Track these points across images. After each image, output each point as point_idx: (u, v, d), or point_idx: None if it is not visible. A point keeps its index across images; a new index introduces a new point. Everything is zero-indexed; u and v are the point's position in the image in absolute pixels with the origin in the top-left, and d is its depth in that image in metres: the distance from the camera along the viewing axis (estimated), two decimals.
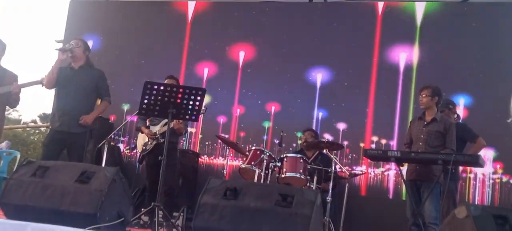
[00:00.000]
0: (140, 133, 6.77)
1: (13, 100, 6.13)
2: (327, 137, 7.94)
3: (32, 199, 4.17)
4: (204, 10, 9.24)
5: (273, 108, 8.47)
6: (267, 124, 8.40)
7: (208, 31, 9.06)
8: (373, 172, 7.82)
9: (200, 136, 8.64)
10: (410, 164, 6.04)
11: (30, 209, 4.13)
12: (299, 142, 7.90)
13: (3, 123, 6.42)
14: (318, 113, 8.25)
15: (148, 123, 6.75)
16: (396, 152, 5.67)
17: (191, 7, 9.29)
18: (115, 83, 7.89)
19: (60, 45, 9.79)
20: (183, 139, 8.37)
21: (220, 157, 8.53)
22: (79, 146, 5.95)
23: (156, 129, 6.55)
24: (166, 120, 5.67)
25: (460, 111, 7.05)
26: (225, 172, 6.79)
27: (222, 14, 9.13)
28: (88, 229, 3.73)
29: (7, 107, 6.40)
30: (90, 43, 7.42)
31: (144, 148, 6.64)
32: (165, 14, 9.44)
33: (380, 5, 8.29)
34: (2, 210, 4.41)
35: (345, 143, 7.92)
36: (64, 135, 5.95)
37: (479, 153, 6.13)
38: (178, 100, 4.95)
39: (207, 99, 8.17)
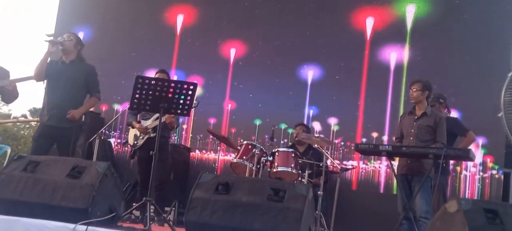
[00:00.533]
0: (131, 128, 6.72)
1: (9, 95, 6.09)
2: (317, 129, 7.98)
3: (23, 194, 4.14)
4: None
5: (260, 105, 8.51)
6: (258, 122, 8.39)
7: (201, 24, 9.02)
8: (365, 166, 7.84)
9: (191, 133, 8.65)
10: (401, 158, 6.04)
11: (21, 204, 4.10)
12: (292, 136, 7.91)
13: None
14: (309, 110, 8.25)
15: (139, 117, 6.71)
16: (387, 146, 5.69)
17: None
18: (106, 76, 7.83)
19: (51, 39, 9.80)
20: (174, 133, 8.35)
21: (211, 152, 8.53)
22: (68, 140, 5.89)
23: (147, 123, 6.50)
24: (157, 114, 5.64)
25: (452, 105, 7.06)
26: (216, 167, 6.80)
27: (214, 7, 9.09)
28: (80, 224, 3.71)
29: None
30: (81, 35, 7.35)
31: (135, 142, 6.59)
32: (156, 6, 9.40)
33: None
34: None
35: (338, 140, 7.93)
36: (53, 129, 5.90)
37: (469, 147, 6.15)
38: (170, 95, 4.93)
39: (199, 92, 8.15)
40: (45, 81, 6.10)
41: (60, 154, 5.86)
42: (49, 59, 6.01)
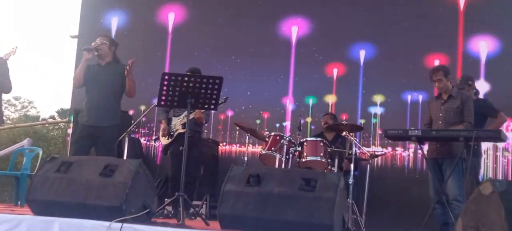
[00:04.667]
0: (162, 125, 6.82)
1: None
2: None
3: (58, 194, 4.22)
4: None
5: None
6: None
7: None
8: (395, 151, 7.79)
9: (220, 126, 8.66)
10: (430, 143, 6.01)
11: (57, 204, 4.19)
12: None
13: (0, 113, 6.55)
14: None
15: (170, 114, 6.78)
16: (417, 131, 5.65)
17: None
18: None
19: (75, 41, 9.90)
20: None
21: (238, 144, 8.54)
22: (106, 139, 6.00)
23: (178, 120, 6.58)
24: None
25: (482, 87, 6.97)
26: (245, 159, 6.80)
27: None
28: (115, 222, 3.75)
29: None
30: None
31: (166, 138, 6.68)
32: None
33: None
34: (29, 207, 4.47)
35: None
36: (92, 129, 6.00)
37: (501, 128, 6.07)
38: (196, 90, 4.96)
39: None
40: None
41: (97, 154, 5.94)
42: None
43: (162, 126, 6.70)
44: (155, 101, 5.51)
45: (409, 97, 7.89)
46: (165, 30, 9.29)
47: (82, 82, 6.17)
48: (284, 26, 8.69)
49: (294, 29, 8.64)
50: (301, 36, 8.58)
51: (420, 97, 7.81)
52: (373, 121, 8.02)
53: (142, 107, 8.41)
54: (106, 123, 6.02)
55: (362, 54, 8.25)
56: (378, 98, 8.06)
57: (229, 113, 8.59)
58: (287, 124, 8.36)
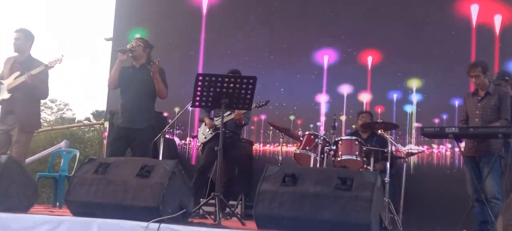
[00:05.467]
0: (203, 124, 6.87)
1: (35, 90, 6.23)
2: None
3: (96, 195, 4.27)
4: None
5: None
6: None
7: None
8: (431, 149, 7.68)
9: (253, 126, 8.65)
10: (467, 140, 5.92)
11: (95, 205, 4.24)
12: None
13: (35, 116, 6.49)
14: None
15: (212, 114, 6.84)
16: (454, 128, 5.57)
17: None
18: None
19: (110, 43, 10.03)
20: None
21: (271, 144, 8.53)
22: (142, 141, 6.06)
23: (219, 121, 6.64)
24: (229, 112, 5.73)
25: None
26: (280, 158, 6.80)
27: None
28: (152, 222, 3.78)
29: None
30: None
31: (204, 138, 6.75)
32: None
33: None
34: (68, 208, 4.54)
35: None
36: (127, 131, 6.07)
37: None
38: (230, 90, 4.98)
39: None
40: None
41: (133, 155, 6.01)
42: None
43: (207, 121, 6.76)
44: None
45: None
46: (199, 29, 9.32)
47: (117, 84, 6.24)
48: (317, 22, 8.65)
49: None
50: (334, 31, 8.52)
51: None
52: (410, 109, 7.89)
53: (176, 109, 8.45)
54: (141, 125, 6.08)
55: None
56: (414, 82, 7.94)
57: (262, 117, 8.55)
58: (321, 121, 8.31)
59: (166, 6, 9.66)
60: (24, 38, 6.34)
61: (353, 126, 7.84)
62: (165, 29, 9.44)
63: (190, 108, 7.67)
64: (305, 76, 8.54)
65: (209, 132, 6.71)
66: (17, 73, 6.19)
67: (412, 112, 7.85)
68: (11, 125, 6.19)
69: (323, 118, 8.32)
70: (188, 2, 9.50)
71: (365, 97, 8.15)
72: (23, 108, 6.20)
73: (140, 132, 6.06)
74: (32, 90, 6.21)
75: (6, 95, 6.18)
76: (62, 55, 6.09)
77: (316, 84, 8.45)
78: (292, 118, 8.43)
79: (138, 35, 6.28)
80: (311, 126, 8.27)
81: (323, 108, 8.35)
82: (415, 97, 7.86)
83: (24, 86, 6.10)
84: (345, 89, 8.28)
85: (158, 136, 6.42)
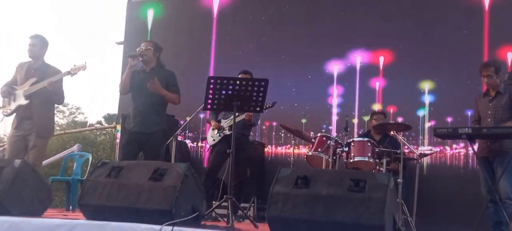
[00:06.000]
0: (211, 128, 6.89)
1: (55, 96, 6.31)
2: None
3: (109, 199, 4.28)
4: None
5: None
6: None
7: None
8: (444, 150, 7.63)
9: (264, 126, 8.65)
10: (480, 141, 5.90)
11: (108, 208, 4.25)
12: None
13: (51, 121, 6.55)
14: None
15: (220, 116, 6.83)
16: (466, 129, 5.55)
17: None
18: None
19: (121, 47, 10.07)
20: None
21: (283, 146, 8.51)
22: (153, 144, 6.08)
23: (226, 122, 6.64)
24: (237, 113, 5.72)
25: None
26: (292, 160, 6.79)
27: None
28: (165, 225, 3.79)
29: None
30: None
31: (213, 140, 6.76)
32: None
33: None
34: (81, 211, 4.56)
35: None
36: (138, 135, 6.09)
37: None
38: (241, 93, 4.98)
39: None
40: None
41: (146, 158, 6.03)
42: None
43: (213, 123, 6.76)
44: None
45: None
46: (210, 29, 9.35)
47: (127, 89, 6.25)
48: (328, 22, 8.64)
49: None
50: (345, 31, 8.50)
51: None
52: (422, 112, 7.84)
53: (187, 117, 8.47)
54: (152, 129, 6.09)
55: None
56: (427, 84, 7.90)
57: (274, 123, 8.54)
58: (333, 122, 8.29)
59: (177, 9, 9.69)
60: (40, 44, 6.38)
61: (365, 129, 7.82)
62: (176, 32, 9.47)
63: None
64: (317, 77, 8.50)
65: (217, 134, 6.72)
66: (33, 79, 6.23)
67: (424, 115, 7.79)
68: (27, 130, 6.23)
69: (334, 118, 8.29)
70: (199, 4, 9.52)
71: (377, 98, 8.10)
72: (40, 114, 6.25)
73: (152, 136, 6.07)
74: (53, 96, 6.29)
75: (23, 101, 6.20)
76: (86, 62, 6.14)
77: (327, 85, 8.42)
78: (303, 121, 8.40)
79: (147, 40, 6.25)
80: (324, 127, 8.25)
81: (335, 110, 8.32)
82: (427, 98, 7.80)
83: (42, 92, 6.15)
84: (357, 90, 8.24)
85: (170, 139, 6.43)
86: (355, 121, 8.14)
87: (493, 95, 5.83)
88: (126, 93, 6.37)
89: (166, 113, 6.45)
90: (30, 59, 6.42)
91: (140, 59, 6.16)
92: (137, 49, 6.20)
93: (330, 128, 8.27)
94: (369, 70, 8.20)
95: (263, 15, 9.06)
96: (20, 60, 6.58)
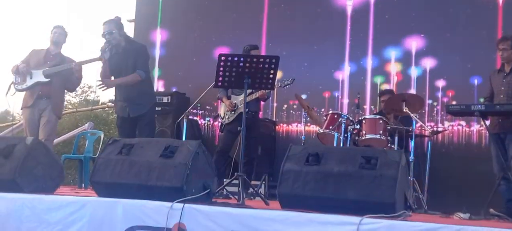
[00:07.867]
0: (223, 104, 6.86)
1: (75, 79, 6.58)
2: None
3: (121, 176, 4.29)
4: None
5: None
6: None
7: None
8: (456, 127, 7.57)
9: (275, 104, 8.61)
10: (492, 118, 5.85)
11: (119, 186, 4.27)
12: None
13: (63, 104, 6.87)
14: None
15: (230, 92, 6.80)
16: (479, 106, 5.49)
17: None
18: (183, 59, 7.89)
19: (132, 25, 10.04)
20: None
21: (294, 124, 8.48)
22: (145, 123, 6.19)
23: (239, 98, 6.60)
24: (249, 90, 5.71)
25: None
26: (303, 138, 6.77)
27: None
28: (176, 202, 3.80)
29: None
30: None
31: (227, 117, 6.74)
32: None
33: None
34: (93, 189, 4.59)
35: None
36: (129, 119, 6.20)
37: None
38: (253, 70, 4.95)
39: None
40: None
41: (140, 136, 6.06)
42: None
43: (227, 102, 6.73)
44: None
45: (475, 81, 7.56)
46: (220, 5, 9.31)
47: (109, 77, 6.30)
48: None
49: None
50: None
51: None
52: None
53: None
54: (139, 112, 6.18)
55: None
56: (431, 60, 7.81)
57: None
58: (344, 101, 8.25)
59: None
60: (63, 34, 6.72)
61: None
62: (187, 7, 9.46)
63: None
64: (327, 54, 8.47)
65: (232, 113, 6.68)
66: (53, 62, 6.51)
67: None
68: (43, 108, 6.47)
69: (345, 92, 8.24)
70: None
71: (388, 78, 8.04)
72: (57, 93, 6.58)
73: (141, 117, 6.18)
74: (74, 79, 6.60)
75: (43, 79, 6.41)
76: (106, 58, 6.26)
77: (339, 58, 8.37)
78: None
79: (105, 21, 6.23)
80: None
81: (346, 88, 8.27)
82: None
83: (66, 73, 6.44)
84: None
85: (181, 117, 6.43)
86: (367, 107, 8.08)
87: (508, 71, 5.78)
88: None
89: (152, 83, 6.59)
90: (45, 48, 6.67)
91: (109, 46, 6.17)
92: (101, 36, 6.16)
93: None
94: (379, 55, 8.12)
95: None
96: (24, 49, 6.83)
